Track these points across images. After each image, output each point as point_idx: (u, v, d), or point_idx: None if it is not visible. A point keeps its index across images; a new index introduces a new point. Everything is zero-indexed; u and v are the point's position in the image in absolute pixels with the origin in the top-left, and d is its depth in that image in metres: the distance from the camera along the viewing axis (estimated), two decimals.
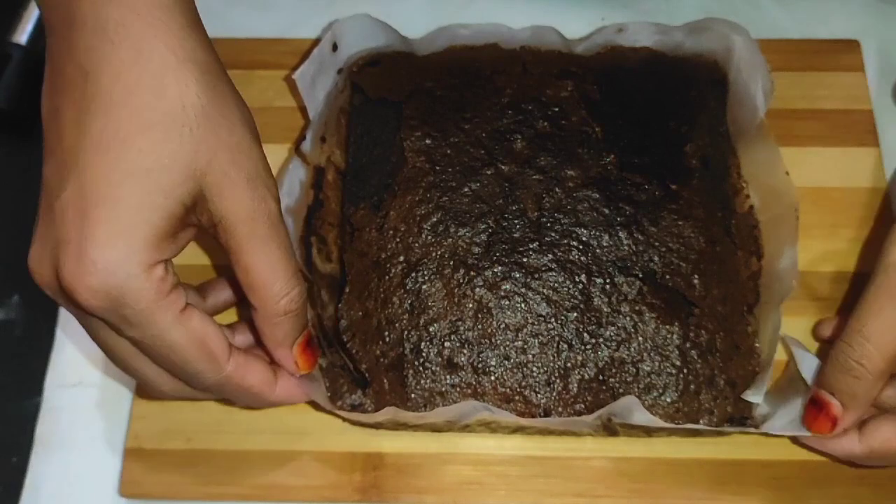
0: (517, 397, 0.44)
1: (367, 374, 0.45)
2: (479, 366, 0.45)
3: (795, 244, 0.46)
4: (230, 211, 0.36)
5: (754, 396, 0.44)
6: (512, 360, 0.45)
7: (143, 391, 0.46)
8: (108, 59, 0.34)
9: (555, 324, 0.46)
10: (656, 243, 0.47)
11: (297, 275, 0.38)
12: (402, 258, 0.47)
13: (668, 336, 0.45)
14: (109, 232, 0.33)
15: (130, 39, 0.34)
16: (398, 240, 0.47)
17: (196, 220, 0.36)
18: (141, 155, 0.33)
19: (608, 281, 0.46)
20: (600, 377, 0.45)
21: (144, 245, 0.33)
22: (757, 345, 0.45)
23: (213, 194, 0.35)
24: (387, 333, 0.45)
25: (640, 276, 0.46)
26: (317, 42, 0.51)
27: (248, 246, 0.36)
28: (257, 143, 0.37)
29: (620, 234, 0.47)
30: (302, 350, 0.40)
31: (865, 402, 0.39)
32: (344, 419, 0.46)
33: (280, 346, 0.40)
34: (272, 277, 0.37)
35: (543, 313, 0.46)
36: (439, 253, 0.47)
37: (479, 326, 0.45)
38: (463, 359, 0.45)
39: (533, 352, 0.45)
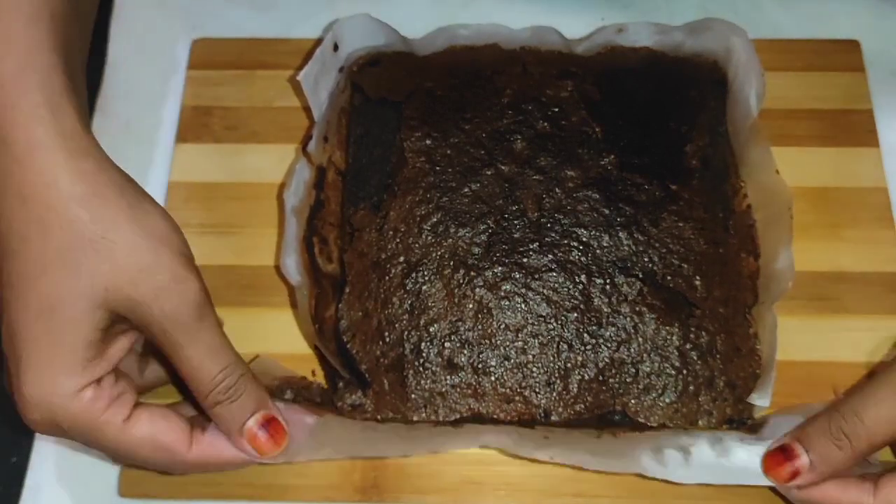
0: (517, 398, 0.44)
1: (367, 375, 0.45)
2: (480, 366, 0.45)
3: (790, 244, 0.46)
4: (144, 323, 0.37)
5: (761, 400, 0.44)
6: (512, 361, 0.45)
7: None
8: (1, 211, 0.36)
9: (555, 324, 0.46)
10: (656, 244, 0.47)
11: (225, 369, 0.39)
12: (402, 258, 0.47)
13: (668, 337, 0.45)
14: (34, 370, 0.36)
15: (14, 187, 0.36)
16: (398, 240, 0.47)
17: (126, 327, 0.38)
18: (42, 297, 0.36)
19: (608, 281, 0.46)
20: (600, 377, 0.45)
21: (66, 376, 0.36)
22: (758, 346, 0.46)
23: (126, 311, 0.37)
24: (387, 334, 0.45)
25: (641, 276, 0.46)
26: (318, 42, 0.51)
27: (170, 350, 0.38)
28: (164, 252, 0.37)
29: (621, 234, 0.47)
30: (252, 436, 0.40)
31: (833, 472, 0.40)
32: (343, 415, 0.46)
33: (229, 434, 0.40)
34: (197, 377, 0.38)
35: (543, 314, 0.46)
36: (439, 253, 0.47)
37: (480, 327, 0.45)
38: (463, 359, 0.45)
39: (533, 352, 0.45)
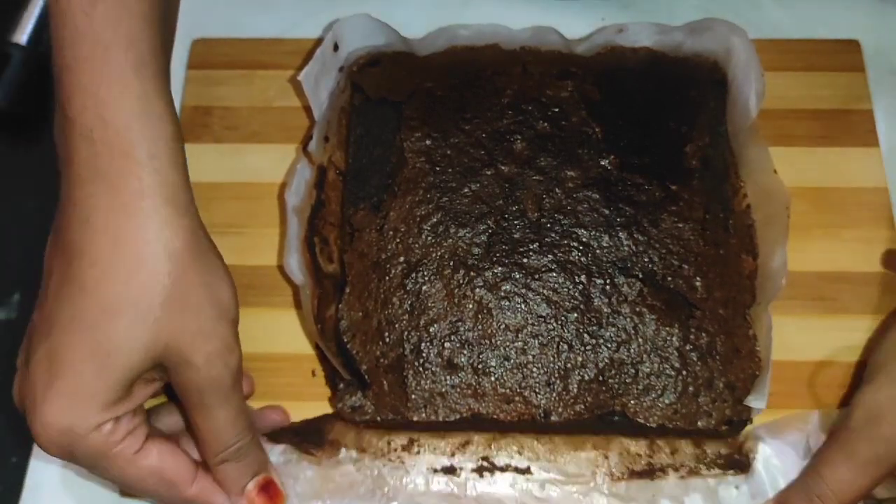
0: (517, 398, 0.45)
1: (366, 376, 0.45)
2: (480, 366, 0.45)
3: (785, 244, 0.46)
4: (182, 384, 0.39)
5: (757, 402, 0.44)
6: (512, 361, 0.45)
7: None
8: (89, 245, 0.37)
9: (555, 324, 0.46)
10: (656, 244, 0.47)
11: (240, 433, 0.40)
12: (402, 259, 0.47)
13: (668, 338, 0.45)
14: (66, 400, 0.37)
15: (110, 230, 0.36)
16: (398, 240, 0.47)
17: (157, 377, 0.39)
18: (105, 340, 0.36)
19: (608, 282, 0.46)
20: (600, 378, 0.45)
21: (96, 411, 0.37)
22: (757, 348, 0.46)
23: (170, 367, 0.38)
24: (387, 334, 0.45)
25: (641, 277, 0.46)
26: (318, 42, 0.51)
27: (196, 412, 0.39)
28: (224, 321, 0.39)
29: (621, 234, 0.47)
30: (255, 496, 0.42)
31: None
32: (344, 418, 0.46)
33: (229, 492, 0.42)
34: (214, 437, 0.40)
35: (543, 314, 0.46)
36: (439, 253, 0.47)
37: (480, 327, 0.45)
38: (463, 359, 0.45)
39: (533, 352, 0.45)
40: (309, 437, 0.45)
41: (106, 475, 0.39)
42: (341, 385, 0.46)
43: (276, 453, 0.44)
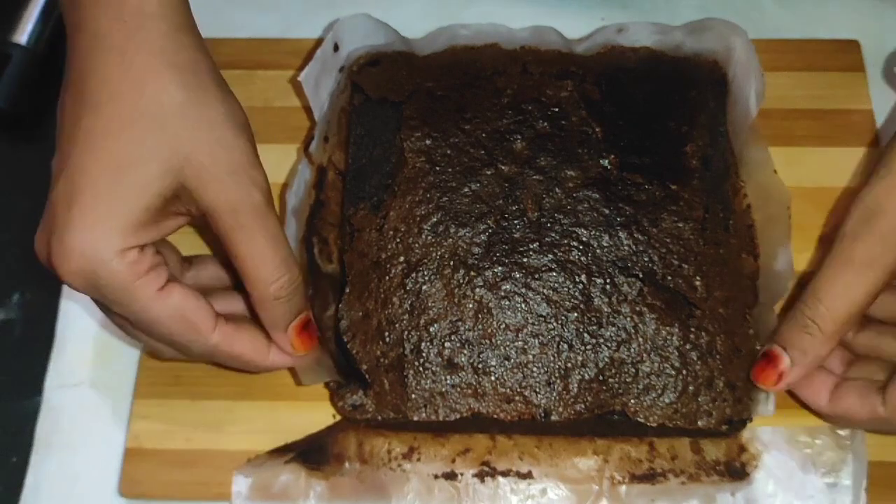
0: (517, 397, 0.44)
1: (367, 375, 0.45)
2: (480, 366, 0.45)
3: (789, 244, 0.46)
4: (213, 203, 0.38)
5: (764, 407, 0.44)
6: (512, 361, 0.45)
7: (152, 353, 0.47)
8: (98, 65, 0.38)
9: (555, 324, 0.46)
10: (657, 244, 0.47)
11: (285, 262, 0.40)
12: (402, 258, 0.47)
13: (668, 337, 0.45)
14: (86, 221, 0.36)
15: (116, 47, 0.37)
16: (398, 240, 0.47)
17: (184, 210, 0.39)
18: (120, 151, 0.37)
19: (608, 281, 0.46)
20: (600, 377, 0.45)
21: (118, 233, 0.37)
22: (758, 347, 0.46)
23: (195, 187, 0.38)
24: (387, 334, 0.45)
25: (641, 276, 0.46)
26: (318, 42, 0.51)
27: (235, 236, 0.39)
28: (243, 136, 0.39)
29: (621, 234, 0.47)
30: (297, 333, 0.42)
31: (813, 360, 0.41)
32: (344, 417, 0.46)
33: (274, 329, 0.42)
34: (260, 266, 0.39)
35: (544, 313, 0.46)
36: (439, 253, 0.47)
37: (480, 327, 0.45)
38: (463, 359, 0.45)
39: (533, 352, 0.45)
40: (313, 455, 0.45)
41: (128, 312, 0.38)
42: (331, 383, 0.46)
43: (286, 472, 0.44)
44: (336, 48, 0.51)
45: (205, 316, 0.40)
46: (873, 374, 0.43)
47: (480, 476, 0.45)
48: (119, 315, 0.40)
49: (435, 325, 0.45)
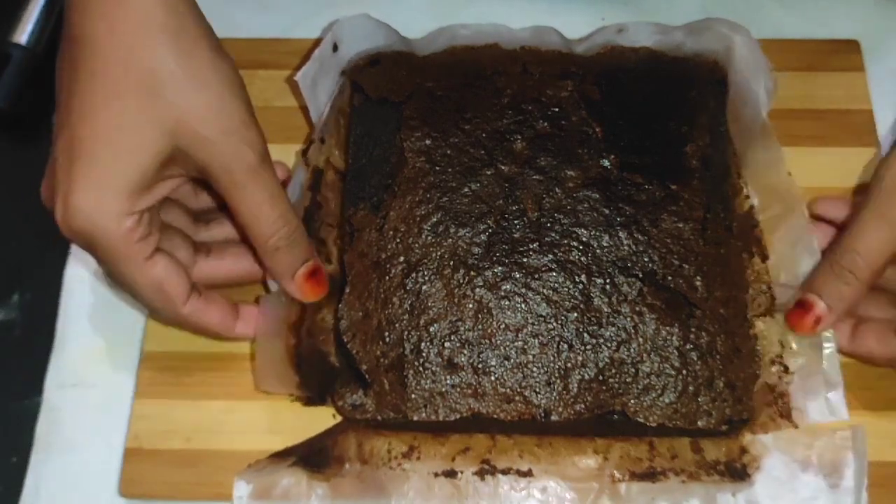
0: (517, 397, 0.44)
1: (367, 375, 0.45)
2: (480, 366, 0.45)
3: (814, 245, 0.47)
4: (208, 165, 0.40)
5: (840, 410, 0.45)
6: (512, 361, 0.45)
7: (153, 315, 0.49)
8: (88, 32, 0.39)
9: (555, 324, 0.46)
10: (657, 244, 0.47)
11: (283, 216, 0.42)
12: (402, 259, 0.47)
13: (668, 337, 0.45)
14: (87, 185, 0.38)
15: (106, 14, 0.38)
16: (398, 240, 0.47)
17: (180, 172, 0.41)
18: (114, 120, 0.38)
19: (608, 281, 0.46)
20: (600, 377, 0.45)
21: (118, 197, 0.39)
22: (758, 348, 0.46)
23: (190, 150, 0.39)
24: (387, 334, 0.45)
25: (641, 276, 0.46)
26: (317, 42, 0.51)
27: (232, 194, 0.41)
28: (237, 98, 0.40)
29: (620, 234, 0.47)
30: (305, 280, 0.45)
31: (849, 305, 0.45)
32: (344, 417, 0.46)
33: (282, 278, 0.45)
34: (258, 221, 0.42)
35: (543, 313, 0.46)
36: (439, 253, 0.47)
37: (480, 327, 0.45)
38: (463, 359, 0.45)
39: (533, 352, 0.45)
40: (315, 458, 0.45)
41: (114, 272, 0.41)
42: (341, 383, 0.46)
43: (287, 476, 0.44)
44: (335, 48, 0.51)
45: (180, 289, 0.42)
46: (886, 311, 0.46)
47: (480, 474, 0.45)
48: (107, 272, 0.42)
49: (435, 325, 0.45)
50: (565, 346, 0.45)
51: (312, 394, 0.46)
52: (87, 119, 0.39)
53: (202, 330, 0.45)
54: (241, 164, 0.40)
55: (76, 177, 0.38)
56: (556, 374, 0.45)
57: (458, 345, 0.45)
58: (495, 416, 0.44)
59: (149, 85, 0.38)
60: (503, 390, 0.45)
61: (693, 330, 0.45)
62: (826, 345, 0.46)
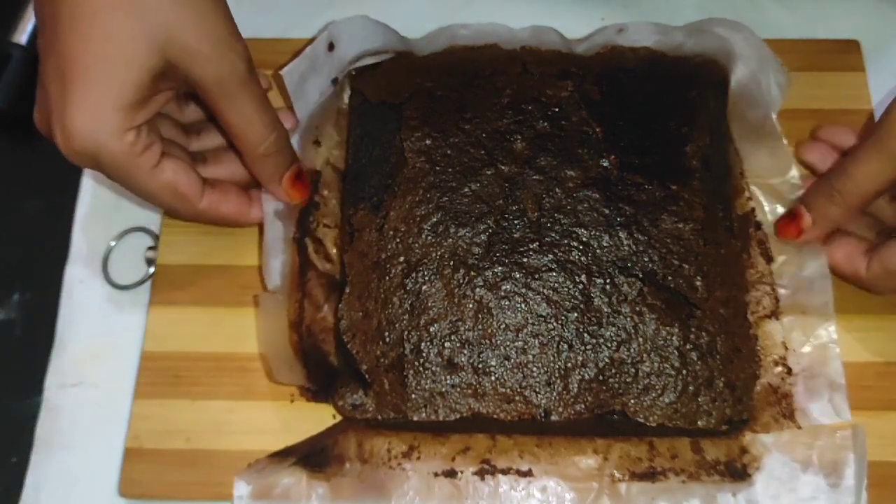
0: (517, 397, 0.44)
1: (367, 375, 0.45)
2: (480, 366, 0.45)
3: (818, 250, 0.47)
4: (200, 77, 0.41)
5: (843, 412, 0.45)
6: (512, 361, 0.45)
7: (169, 213, 0.50)
8: None
9: (555, 324, 0.46)
10: (657, 244, 0.47)
11: (272, 124, 0.44)
12: (402, 259, 0.47)
13: (668, 337, 0.45)
14: (86, 103, 0.39)
15: None
16: (398, 240, 0.47)
17: (171, 86, 0.42)
18: (105, 35, 0.39)
19: (608, 281, 0.46)
20: (600, 377, 0.45)
21: (115, 114, 0.39)
22: (758, 348, 0.46)
23: (181, 63, 0.40)
24: (387, 334, 0.45)
25: (641, 276, 0.46)
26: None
27: (223, 104, 0.42)
28: (222, 10, 0.41)
29: (621, 234, 0.47)
30: (291, 183, 0.47)
31: (833, 225, 0.46)
32: (344, 416, 0.46)
33: (270, 182, 0.47)
34: (248, 130, 0.43)
35: (544, 313, 0.46)
36: (439, 253, 0.47)
37: (480, 327, 0.45)
38: (463, 359, 0.45)
39: (533, 352, 0.45)
40: (315, 458, 0.45)
41: (127, 185, 0.43)
42: (341, 382, 0.46)
43: (287, 476, 0.44)
44: (331, 47, 0.50)
45: (193, 187, 0.44)
46: (864, 231, 0.48)
47: (480, 474, 0.45)
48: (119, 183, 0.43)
49: (435, 325, 0.45)
50: (565, 346, 0.45)
51: (319, 387, 0.46)
52: (76, 37, 0.39)
53: (220, 220, 0.47)
54: (232, 75, 0.41)
55: (72, 99, 0.39)
56: (557, 374, 0.45)
57: (458, 345, 0.45)
58: (495, 416, 0.44)
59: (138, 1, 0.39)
60: (503, 390, 0.45)
61: (693, 330, 0.45)
62: (830, 346, 0.46)
